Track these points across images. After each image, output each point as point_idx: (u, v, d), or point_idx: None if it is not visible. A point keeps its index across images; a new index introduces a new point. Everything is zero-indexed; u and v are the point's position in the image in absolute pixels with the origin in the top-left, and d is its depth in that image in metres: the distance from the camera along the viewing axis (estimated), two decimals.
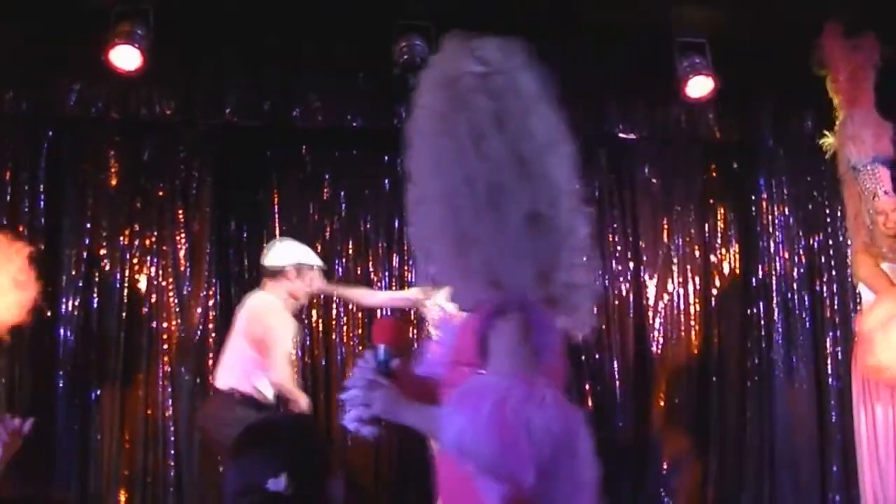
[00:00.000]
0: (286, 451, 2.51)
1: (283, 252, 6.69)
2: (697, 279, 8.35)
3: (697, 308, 8.33)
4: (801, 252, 8.42)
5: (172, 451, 7.51)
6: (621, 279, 8.28)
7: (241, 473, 2.49)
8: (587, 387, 8.06)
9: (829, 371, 8.23)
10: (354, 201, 8.09)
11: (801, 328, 8.30)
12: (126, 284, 7.63)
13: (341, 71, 7.60)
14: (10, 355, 7.18)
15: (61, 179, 7.59)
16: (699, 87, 7.52)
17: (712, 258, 8.41)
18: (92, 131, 7.66)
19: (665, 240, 8.35)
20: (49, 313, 7.31)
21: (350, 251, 7.97)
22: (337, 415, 7.71)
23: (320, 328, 7.91)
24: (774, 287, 8.35)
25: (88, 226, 7.60)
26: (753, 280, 8.38)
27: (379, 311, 7.53)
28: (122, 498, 7.43)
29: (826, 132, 7.16)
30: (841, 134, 6.99)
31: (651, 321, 8.25)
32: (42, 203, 7.52)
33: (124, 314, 7.61)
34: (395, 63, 7.00)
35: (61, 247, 7.51)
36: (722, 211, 8.47)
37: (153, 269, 7.69)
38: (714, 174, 8.50)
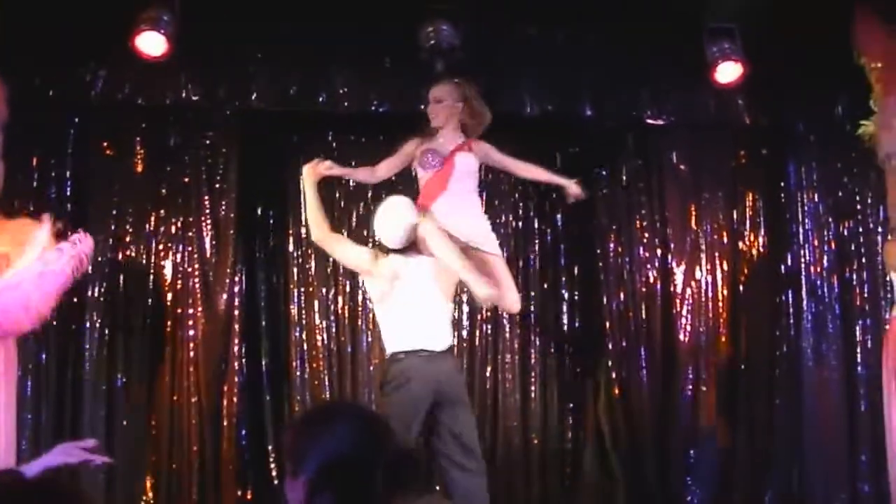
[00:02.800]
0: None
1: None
2: (726, 266, 8.27)
3: (725, 295, 8.26)
4: (831, 239, 8.31)
5: (198, 438, 7.52)
6: (648, 266, 8.22)
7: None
8: (614, 374, 8.02)
9: (859, 359, 8.13)
10: (380, 187, 8.05)
11: (830, 316, 8.21)
12: (152, 271, 7.64)
13: (367, 56, 7.56)
14: (37, 341, 7.18)
15: (87, 166, 7.59)
16: (728, 72, 7.45)
17: (741, 245, 8.33)
18: (118, 117, 7.65)
19: (693, 226, 8.28)
20: (75, 299, 7.32)
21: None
22: (364, 400, 7.74)
23: (346, 314, 7.91)
24: (804, 274, 8.26)
25: (114, 212, 7.60)
26: (782, 267, 8.30)
27: None
28: (148, 484, 7.45)
29: (863, 122, 7.10)
30: (877, 122, 6.92)
31: (679, 309, 8.19)
32: (68, 189, 7.52)
33: (150, 300, 7.62)
34: (421, 48, 6.97)
35: (87, 233, 7.50)
36: (751, 197, 8.38)
37: (179, 256, 7.68)
38: (743, 160, 8.41)
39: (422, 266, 5.99)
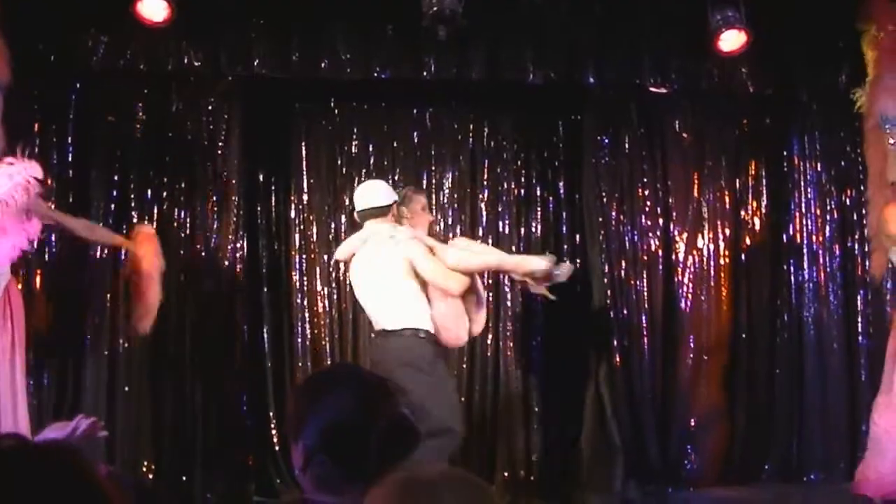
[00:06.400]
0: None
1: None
2: (728, 235, 8.27)
3: (727, 264, 8.25)
4: (834, 208, 8.33)
5: (200, 404, 7.53)
6: (650, 234, 8.20)
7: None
8: (615, 342, 8.01)
9: (860, 329, 8.17)
10: (382, 154, 8.08)
11: (832, 285, 8.23)
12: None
13: (369, 23, 7.53)
14: (40, 307, 7.21)
15: (89, 132, 7.56)
16: (732, 40, 7.43)
17: (743, 214, 8.32)
18: (120, 83, 7.61)
19: (696, 195, 8.26)
20: (78, 264, 7.34)
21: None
22: (365, 366, 7.76)
23: (347, 280, 7.89)
24: (805, 243, 8.27)
25: (116, 178, 7.59)
26: (784, 236, 8.30)
27: None
28: (150, 449, 7.47)
29: (859, 89, 7.09)
30: (875, 88, 6.93)
31: (680, 277, 8.19)
32: (70, 155, 7.51)
33: None
34: (423, 14, 6.93)
35: (90, 199, 7.51)
36: (753, 166, 8.37)
37: (181, 222, 7.68)
38: (746, 129, 8.38)
39: None
